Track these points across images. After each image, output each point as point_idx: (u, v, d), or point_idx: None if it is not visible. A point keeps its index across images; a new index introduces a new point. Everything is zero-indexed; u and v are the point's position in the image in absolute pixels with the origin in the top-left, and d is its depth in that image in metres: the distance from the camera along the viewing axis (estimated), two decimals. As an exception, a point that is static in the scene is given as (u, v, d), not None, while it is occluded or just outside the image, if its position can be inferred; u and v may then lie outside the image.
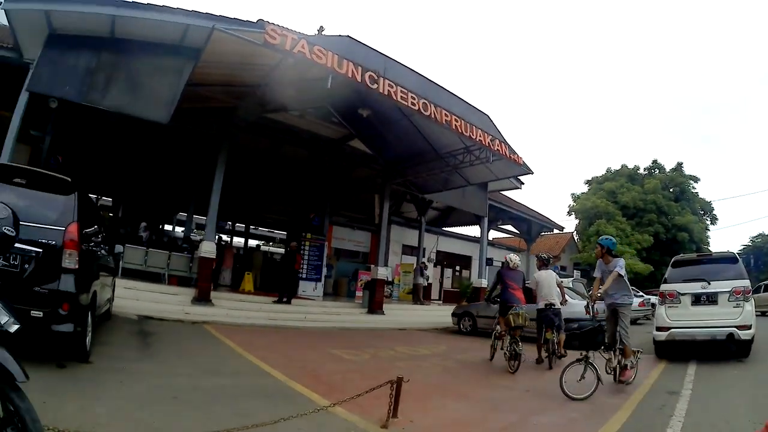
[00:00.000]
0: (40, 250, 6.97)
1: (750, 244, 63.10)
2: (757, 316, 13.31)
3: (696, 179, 56.23)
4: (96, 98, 15.05)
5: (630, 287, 10.57)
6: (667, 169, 57.64)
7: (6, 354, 3.50)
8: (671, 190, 55.13)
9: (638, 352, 10.38)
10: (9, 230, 4.23)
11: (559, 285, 13.26)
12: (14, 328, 3.70)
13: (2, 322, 3.63)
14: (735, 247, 66.06)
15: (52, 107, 15.67)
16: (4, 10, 14.25)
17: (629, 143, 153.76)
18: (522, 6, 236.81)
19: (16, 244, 5.99)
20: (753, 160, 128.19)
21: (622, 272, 9.87)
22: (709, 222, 55.73)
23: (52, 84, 14.78)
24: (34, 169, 8.05)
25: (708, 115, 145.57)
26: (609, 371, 9.93)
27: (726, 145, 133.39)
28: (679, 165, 57.13)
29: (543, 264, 13.72)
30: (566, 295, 13.48)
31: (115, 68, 15.40)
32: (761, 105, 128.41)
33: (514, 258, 13.62)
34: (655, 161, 59.12)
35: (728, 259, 13.53)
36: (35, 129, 17.18)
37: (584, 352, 9.40)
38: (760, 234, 62.17)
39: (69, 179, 7.81)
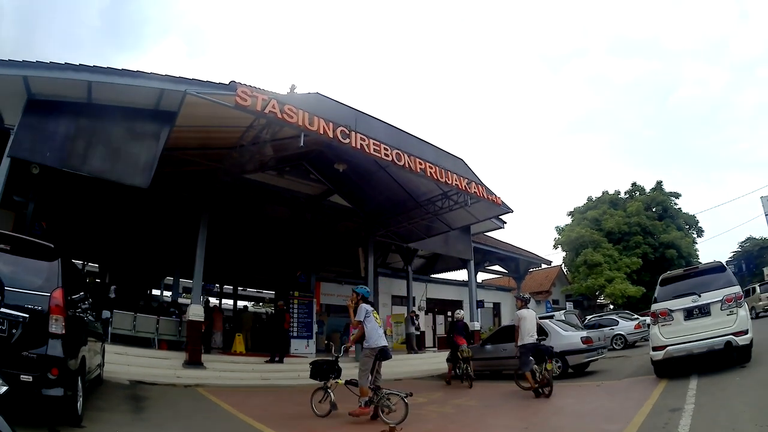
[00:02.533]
0: (27, 316, 6.96)
1: (740, 249, 63.09)
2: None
3: (677, 195, 56.43)
4: (76, 164, 15.10)
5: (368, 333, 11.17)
6: (647, 190, 57.82)
7: None
8: (654, 209, 55.25)
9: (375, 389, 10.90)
10: None
11: (538, 322, 14.93)
12: (2, 389, 3.75)
13: None
14: (726, 254, 66.19)
15: (34, 173, 15.76)
16: None
17: (607, 170, 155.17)
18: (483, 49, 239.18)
19: (3, 309, 6.03)
20: (729, 166, 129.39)
21: (361, 318, 11.12)
22: (695, 235, 55.60)
23: (33, 149, 14.80)
24: (18, 235, 8.11)
25: (679, 128, 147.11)
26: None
27: (703, 155, 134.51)
28: (659, 184, 57.36)
29: (524, 303, 14.89)
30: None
31: (93, 133, 15.45)
32: (732, 112, 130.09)
33: (459, 313, 18.89)
34: (634, 184, 59.45)
35: (716, 268, 13.51)
36: (18, 195, 17.28)
37: (326, 382, 11.53)
38: (748, 238, 62.10)
39: (52, 245, 7.87)
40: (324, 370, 11.87)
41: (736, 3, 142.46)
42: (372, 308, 11.51)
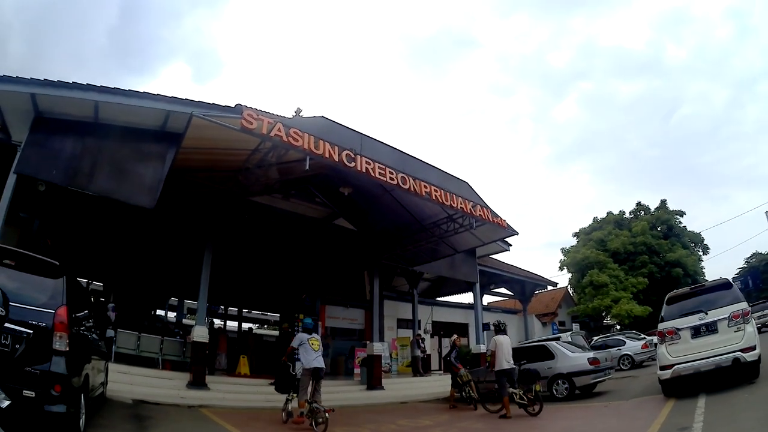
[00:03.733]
0: (31, 332, 6.98)
1: (746, 265, 62.78)
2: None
3: (682, 213, 56.49)
4: (82, 183, 15.15)
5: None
6: (652, 209, 57.90)
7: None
8: (659, 228, 55.27)
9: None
10: None
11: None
12: (5, 403, 3.81)
13: None
14: (732, 271, 65.75)
15: (40, 190, 15.78)
16: None
17: (611, 190, 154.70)
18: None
19: (7, 324, 6.05)
20: (733, 182, 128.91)
21: (295, 345, 13.63)
22: (701, 253, 55.36)
23: (39, 167, 14.86)
24: (23, 251, 8.13)
25: (682, 146, 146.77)
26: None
27: (706, 172, 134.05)
28: (663, 202, 57.44)
29: (499, 331, 15.63)
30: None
31: (100, 152, 15.50)
32: (735, 128, 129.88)
33: (453, 338, 19.73)
34: (639, 203, 59.65)
35: (722, 285, 13.43)
36: (24, 211, 17.32)
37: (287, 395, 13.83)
38: (753, 254, 61.90)
39: (57, 263, 7.91)
40: (284, 386, 14.05)
41: (735, 19, 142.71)
42: (310, 336, 13.51)
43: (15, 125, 15.29)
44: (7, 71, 14.19)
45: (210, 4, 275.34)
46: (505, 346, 15.04)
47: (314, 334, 13.91)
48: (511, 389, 14.63)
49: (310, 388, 13.01)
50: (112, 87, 14.57)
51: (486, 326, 30.03)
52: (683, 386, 12.85)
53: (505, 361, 14.74)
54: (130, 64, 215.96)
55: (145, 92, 14.96)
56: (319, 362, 13.23)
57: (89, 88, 14.37)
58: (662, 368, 12.99)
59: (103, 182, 15.34)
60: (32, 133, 14.98)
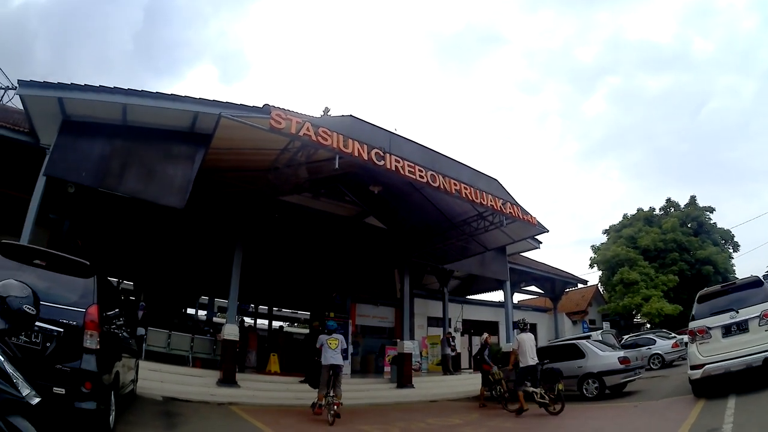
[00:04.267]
0: (62, 330, 7.14)
1: (777, 263, 61.81)
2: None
3: (711, 209, 55.21)
4: (112, 184, 15.33)
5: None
6: (682, 205, 57.00)
7: (28, 425, 3.61)
8: (689, 225, 54.23)
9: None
10: (30, 309, 4.37)
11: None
12: (35, 400, 3.81)
13: (24, 394, 3.74)
14: (763, 269, 64.66)
15: (70, 192, 16.04)
16: (19, 96, 14.69)
17: (641, 186, 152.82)
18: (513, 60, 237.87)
19: (38, 323, 6.11)
20: (764, 177, 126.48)
21: (317, 345, 14.89)
22: (731, 250, 54.04)
23: (68, 169, 15.06)
24: (54, 252, 8.32)
25: (712, 141, 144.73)
26: None
27: (736, 167, 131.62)
28: (693, 198, 56.32)
29: (522, 329, 16.44)
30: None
31: (129, 154, 15.67)
32: (765, 121, 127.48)
33: (484, 336, 20.24)
34: (668, 199, 58.54)
35: (753, 283, 13.11)
36: (54, 213, 17.55)
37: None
38: (786, 250, 61.06)
39: (88, 263, 8.06)
40: (315, 381, 14.92)
41: (760, 11, 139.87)
42: (329, 336, 14.72)
43: (43, 129, 15.55)
44: (34, 77, 14.39)
45: (233, 6, 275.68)
46: (527, 343, 15.36)
47: (334, 335, 14.90)
48: (531, 388, 14.73)
49: (328, 384, 14.08)
50: (140, 89, 14.73)
51: (516, 324, 29.98)
52: (713, 386, 12.66)
53: (529, 358, 14.99)
54: (156, 66, 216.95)
55: (172, 94, 15.09)
56: (336, 360, 14.38)
57: (116, 91, 14.54)
58: (693, 368, 12.82)
59: (133, 183, 15.51)
60: (60, 136, 15.21)
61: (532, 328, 39.65)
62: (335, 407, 13.45)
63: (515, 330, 18.43)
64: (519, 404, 14.71)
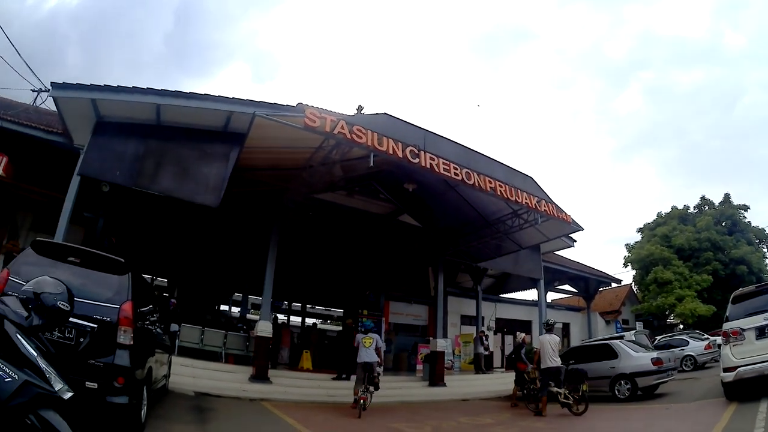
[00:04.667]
0: (95, 326, 7.25)
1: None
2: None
3: (746, 208, 53.98)
4: (146, 183, 15.52)
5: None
6: (716, 203, 55.78)
7: (60, 419, 3.63)
8: (723, 224, 53.03)
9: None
10: (64, 305, 4.41)
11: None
12: (68, 395, 3.84)
13: (56, 389, 3.76)
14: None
15: (104, 191, 16.27)
16: (52, 98, 14.92)
17: (674, 184, 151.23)
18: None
19: (71, 319, 6.13)
20: None
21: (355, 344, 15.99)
22: (765, 249, 53.31)
23: (102, 169, 15.31)
24: (88, 249, 8.45)
25: (745, 137, 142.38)
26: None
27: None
28: (727, 197, 55.19)
29: (546, 330, 16.27)
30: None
31: (163, 153, 15.88)
32: None
33: (521, 336, 20.40)
34: (703, 197, 57.32)
35: None
36: (88, 211, 17.78)
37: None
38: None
39: (122, 260, 8.15)
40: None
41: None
42: (365, 335, 15.53)
43: (76, 130, 15.83)
44: (67, 80, 14.54)
45: (263, 6, 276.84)
46: (547, 345, 15.32)
47: (369, 334, 15.66)
48: (555, 388, 14.75)
49: (363, 381, 14.78)
50: (173, 90, 14.94)
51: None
52: (746, 389, 12.43)
53: (549, 359, 14.97)
54: (188, 67, 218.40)
55: (206, 94, 15.25)
56: (369, 357, 15.09)
57: (149, 92, 14.75)
58: (725, 370, 12.61)
59: (167, 182, 15.72)
60: (94, 137, 15.48)
61: (565, 328, 39.75)
62: (361, 400, 14.21)
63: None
64: (541, 407, 14.80)
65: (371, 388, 14.96)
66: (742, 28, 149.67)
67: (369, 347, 15.29)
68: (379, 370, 15.86)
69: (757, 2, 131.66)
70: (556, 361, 14.96)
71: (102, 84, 14.63)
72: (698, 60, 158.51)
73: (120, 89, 14.61)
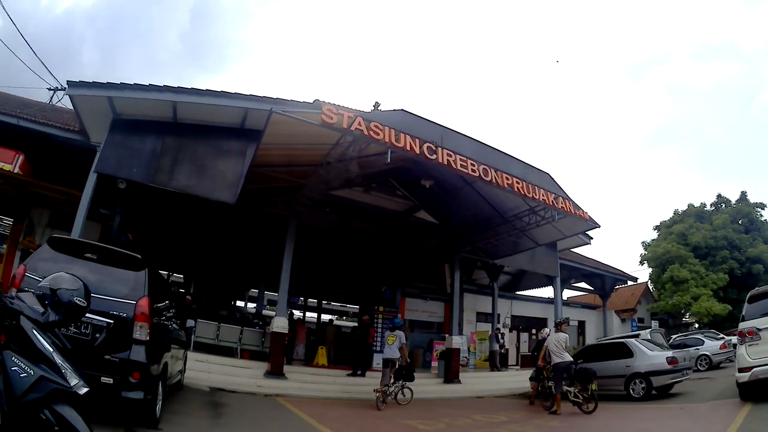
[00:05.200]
0: (111, 322, 7.31)
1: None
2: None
3: (763, 206, 53.41)
4: (163, 180, 15.71)
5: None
6: (733, 201, 55.40)
7: (75, 414, 3.64)
8: (740, 222, 52.59)
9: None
10: (80, 301, 4.42)
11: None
12: (83, 390, 3.85)
13: (72, 384, 3.77)
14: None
15: (120, 188, 16.37)
16: (69, 96, 14.97)
17: (691, 181, 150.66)
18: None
19: (88, 315, 6.18)
20: None
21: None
22: (782, 248, 52.62)
23: (119, 166, 15.49)
24: (105, 245, 8.55)
25: (764, 134, 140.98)
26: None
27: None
28: (743, 194, 54.76)
29: (557, 327, 16.82)
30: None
31: (180, 150, 16.06)
32: None
33: (545, 332, 19.33)
34: (719, 195, 56.78)
35: None
36: (105, 208, 17.94)
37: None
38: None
39: (139, 256, 8.20)
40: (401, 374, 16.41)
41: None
42: (391, 333, 16.63)
43: (93, 127, 16.02)
44: (83, 78, 14.71)
45: (280, 2, 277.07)
46: (552, 343, 15.53)
47: (396, 331, 16.56)
48: (566, 387, 14.81)
49: (386, 375, 15.90)
50: (189, 87, 15.14)
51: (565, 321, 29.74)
52: (761, 390, 12.33)
53: (555, 356, 15.11)
54: (205, 64, 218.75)
55: (222, 91, 15.37)
56: (390, 354, 16.25)
57: (166, 89, 14.91)
58: (740, 370, 12.51)
59: (184, 179, 15.90)
60: (111, 134, 15.68)
61: (581, 326, 39.72)
62: (377, 393, 15.05)
63: (569, 327, 18.22)
64: (556, 405, 14.70)
65: (399, 383, 16.12)
66: (760, 25, 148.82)
67: (392, 345, 16.24)
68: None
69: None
70: (564, 357, 15.02)
71: (118, 82, 14.78)
72: (716, 56, 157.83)
73: (136, 87, 14.75)
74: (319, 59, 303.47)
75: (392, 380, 16.13)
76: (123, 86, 14.84)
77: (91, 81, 14.68)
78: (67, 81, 14.77)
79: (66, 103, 20.32)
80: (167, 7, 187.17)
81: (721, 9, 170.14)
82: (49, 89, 23.76)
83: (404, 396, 16.27)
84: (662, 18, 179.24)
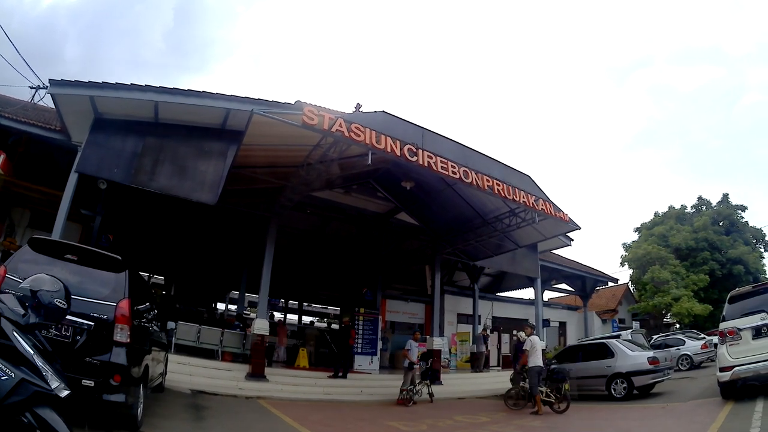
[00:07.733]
0: (92, 324, 7.23)
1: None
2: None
3: (744, 208, 54.14)
4: (144, 180, 15.64)
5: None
6: (714, 203, 56.02)
7: (56, 417, 3.64)
8: (720, 224, 53.21)
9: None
10: (61, 303, 4.43)
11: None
12: (64, 393, 3.85)
13: (53, 387, 3.77)
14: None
15: (101, 188, 16.36)
16: (51, 95, 14.93)
17: (673, 183, 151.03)
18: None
19: (68, 317, 6.14)
20: None
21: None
22: (762, 249, 53.29)
23: (100, 166, 15.43)
24: (87, 247, 8.45)
25: (745, 137, 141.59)
26: None
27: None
28: (725, 196, 55.35)
29: (533, 331, 17.11)
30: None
31: (161, 151, 16.00)
32: None
33: (520, 334, 19.22)
34: (700, 197, 57.59)
35: None
36: (86, 208, 17.89)
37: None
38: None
39: (119, 257, 8.14)
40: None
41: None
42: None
43: (75, 127, 15.97)
44: (66, 76, 14.67)
45: (264, 3, 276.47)
46: (539, 345, 15.85)
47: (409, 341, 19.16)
48: (544, 388, 15.11)
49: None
50: (171, 87, 15.09)
51: (546, 322, 29.86)
52: (742, 389, 12.57)
53: (537, 358, 15.34)
54: (188, 64, 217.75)
55: (204, 91, 15.34)
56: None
57: (148, 89, 14.87)
58: (722, 369, 12.63)
59: (165, 179, 15.85)
60: (92, 134, 15.63)
61: (562, 326, 39.94)
62: (403, 392, 17.49)
63: (550, 327, 18.41)
64: (537, 407, 14.81)
65: (421, 383, 18.50)
66: (744, 28, 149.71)
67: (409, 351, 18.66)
68: (416, 367, 18.69)
69: (760, 1, 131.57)
70: (540, 360, 15.39)
71: (100, 81, 14.71)
72: (700, 59, 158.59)
73: (118, 86, 14.70)
74: (302, 60, 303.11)
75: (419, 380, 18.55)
76: (105, 85, 14.79)
77: (73, 80, 14.60)
78: (49, 79, 14.73)
79: (48, 101, 20.21)
80: (151, 5, 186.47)
81: (705, 13, 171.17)
82: (31, 87, 23.59)
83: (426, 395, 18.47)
84: (645, 21, 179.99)
